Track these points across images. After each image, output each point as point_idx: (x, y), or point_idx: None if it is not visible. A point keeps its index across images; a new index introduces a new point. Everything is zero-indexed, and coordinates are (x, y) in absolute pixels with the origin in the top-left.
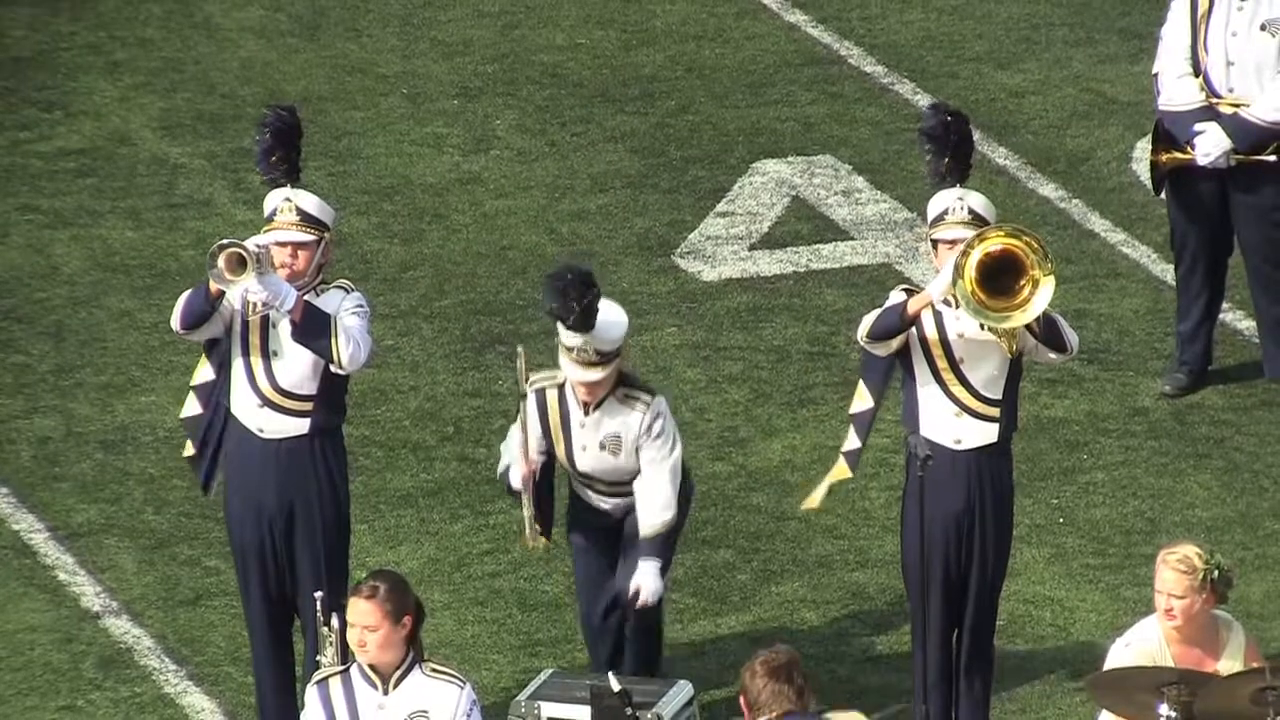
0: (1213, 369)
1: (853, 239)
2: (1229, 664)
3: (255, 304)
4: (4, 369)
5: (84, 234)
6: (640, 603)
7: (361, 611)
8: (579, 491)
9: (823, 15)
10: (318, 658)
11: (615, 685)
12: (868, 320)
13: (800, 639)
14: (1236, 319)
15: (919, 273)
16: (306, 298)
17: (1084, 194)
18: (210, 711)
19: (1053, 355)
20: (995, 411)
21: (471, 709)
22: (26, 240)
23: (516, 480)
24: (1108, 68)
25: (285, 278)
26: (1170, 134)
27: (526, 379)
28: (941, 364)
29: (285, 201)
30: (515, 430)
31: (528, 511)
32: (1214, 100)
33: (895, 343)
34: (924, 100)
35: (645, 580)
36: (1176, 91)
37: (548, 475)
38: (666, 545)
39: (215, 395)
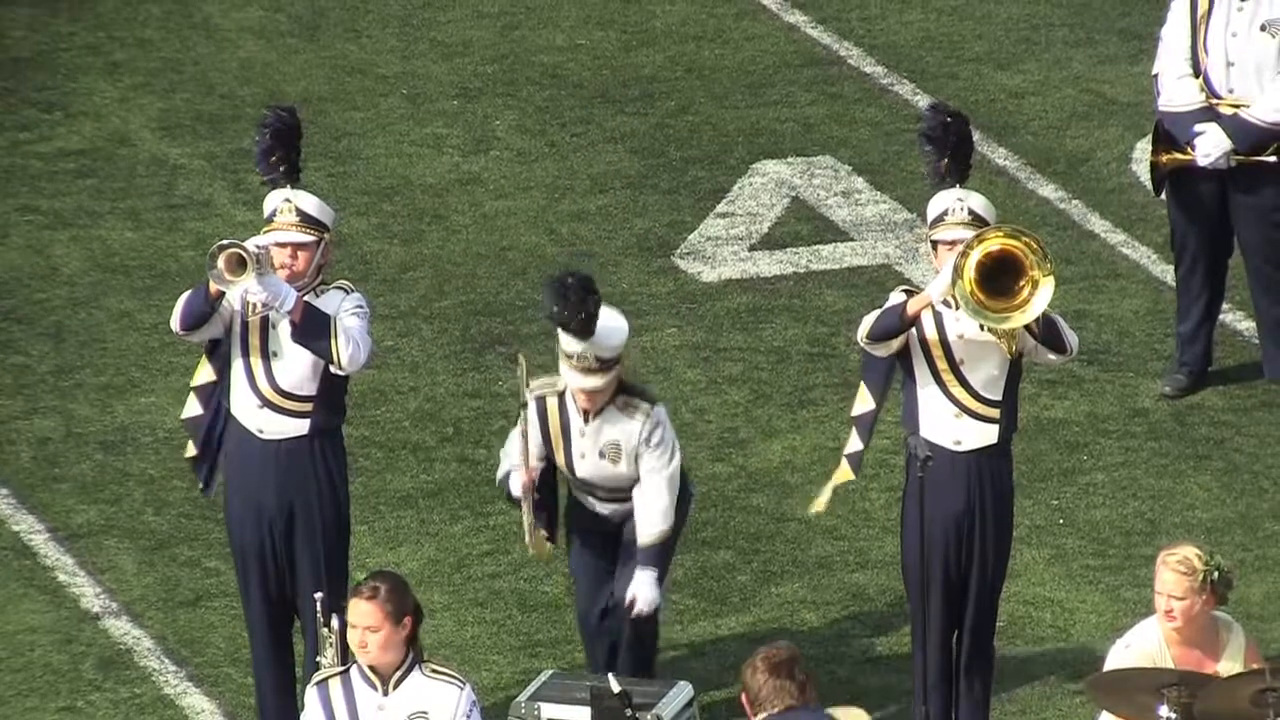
0: (1213, 370)
1: (852, 240)
2: (1229, 665)
3: (255, 305)
4: (4, 370)
5: (84, 235)
6: (635, 612)
7: (362, 612)
8: (578, 496)
9: (822, 16)
10: (318, 659)
11: (615, 686)
12: (867, 321)
13: (800, 640)
14: (1236, 320)
15: (919, 274)
16: (306, 298)
17: (1084, 195)
18: (210, 712)
19: (1052, 356)
20: (995, 412)
21: (471, 710)
22: (26, 241)
23: (516, 488)
24: (1107, 68)
25: (285, 278)
26: (1170, 135)
27: (527, 386)
28: (941, 365)
29: (285, 202)
30: (515, 436)
31: (527, 519)
32: (1214, 101)
33: (895, 344)
34: (924, 101)
35: (641, 590)
36: (1177, 92)
37: (550, 480)
38: (663, 554)
39: (216, 396)
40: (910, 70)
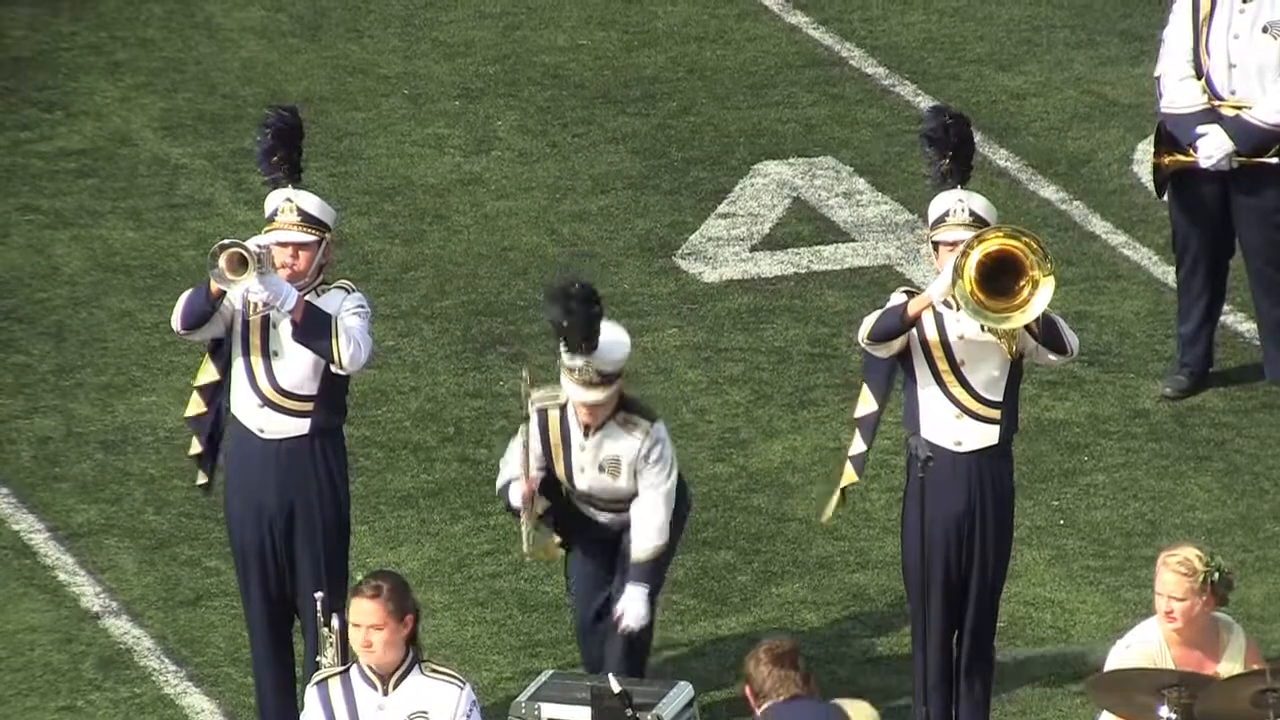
0: (1213, 371)
1: (854, 240)
2: (1229, 666)
3: (256, 304)
4: (4, 369)
5: (85, 234)
6: (623, 628)
7: (366, 611)
8: (578, 505)
9: (824, 17)
10: (318, 658)
11: (615, 686)
12: (868, 322)
13: (801, 640)
14: (1237, 321)
15: (920, 274)
16: (307, 298)
17: (1085, 196)
18: (210, 712)
19: (1053, 357)
20: (996, 413)
21: (471, 709)
22: (27, 240)
23: (516, 499)
24: (1109, 70)
25: (286, 278)
26: (1172, 136)
27: (530, 397)
28: (942, 366)
29: (286, 202)
30: (515, 446)
31: (526, 528)
32: (1216, 102)
33: (896, 344)
34: (925, 102)
35: (631, 606)
36: (1179, 94)
37: (554, 484)
38: (657, 570)
39: (218, 396)
40: (912, 71)
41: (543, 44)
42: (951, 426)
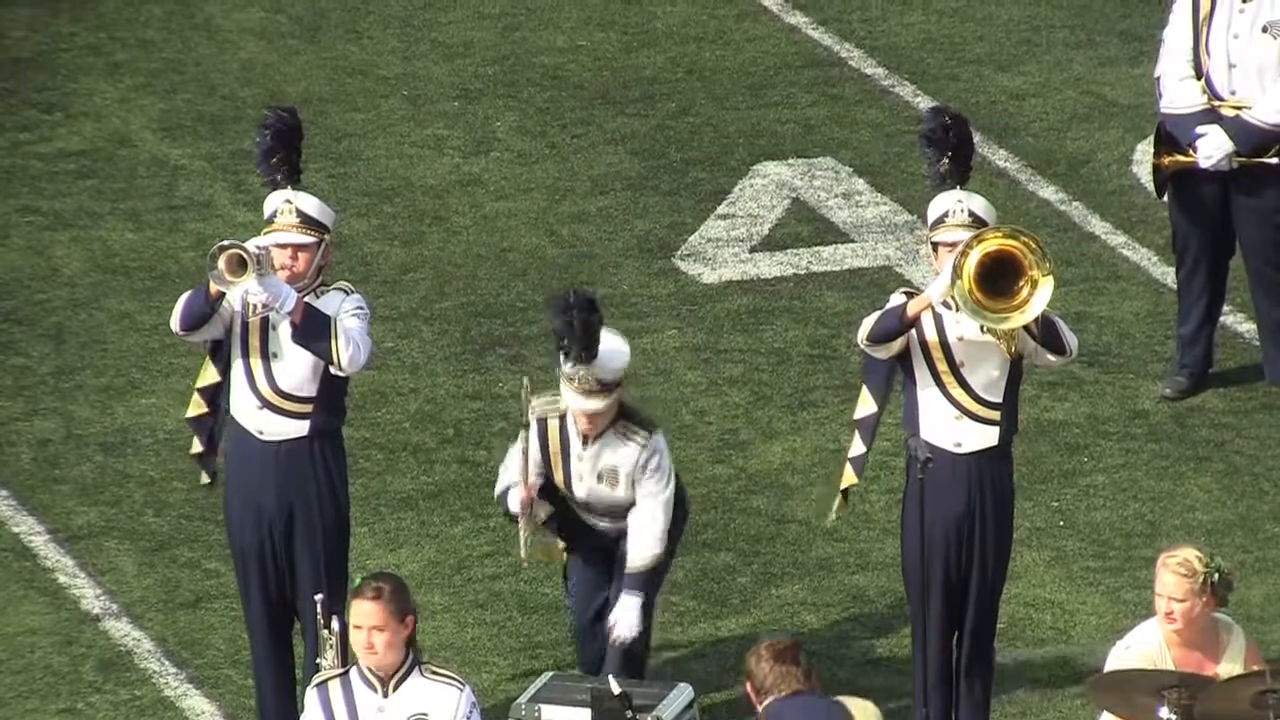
0: (1213, 372)
1: (853, 241)
2: (1229, 667)
3: (255, 305)
4: (4, 371)
5: (84, 236)
6: (615, 638)
7: (368, 613)
8: (578, 511)
9: (823, 17)
10: (318, 660)
11: (615, 688)
12: (868, 323)
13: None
14: (1237, 322)
15: (919, 275)
16: (306, 299)
17: (1084, 196)
18: (210, 714)
19: (1052, 358)
20: (995, 415)
21: (471, 711)
22: (26, 242)
23: (515, 504)
24: (1108, 70)
25: (285, 279)
26: (1172, 137)
27: (530, 405)
28: (942, 367)
29: (285, 203)
30: (515, 453)
31: (524, 534)
32: (1216, 103)
33: (895, 345)
34: (924, 102)
35: (624, 616)
36: (1178, 94)
37: (556, 491)
38: (652, 579)
39: (219, 397)
40: (911, 72)
41: (542, 45)
42: (951, 428)
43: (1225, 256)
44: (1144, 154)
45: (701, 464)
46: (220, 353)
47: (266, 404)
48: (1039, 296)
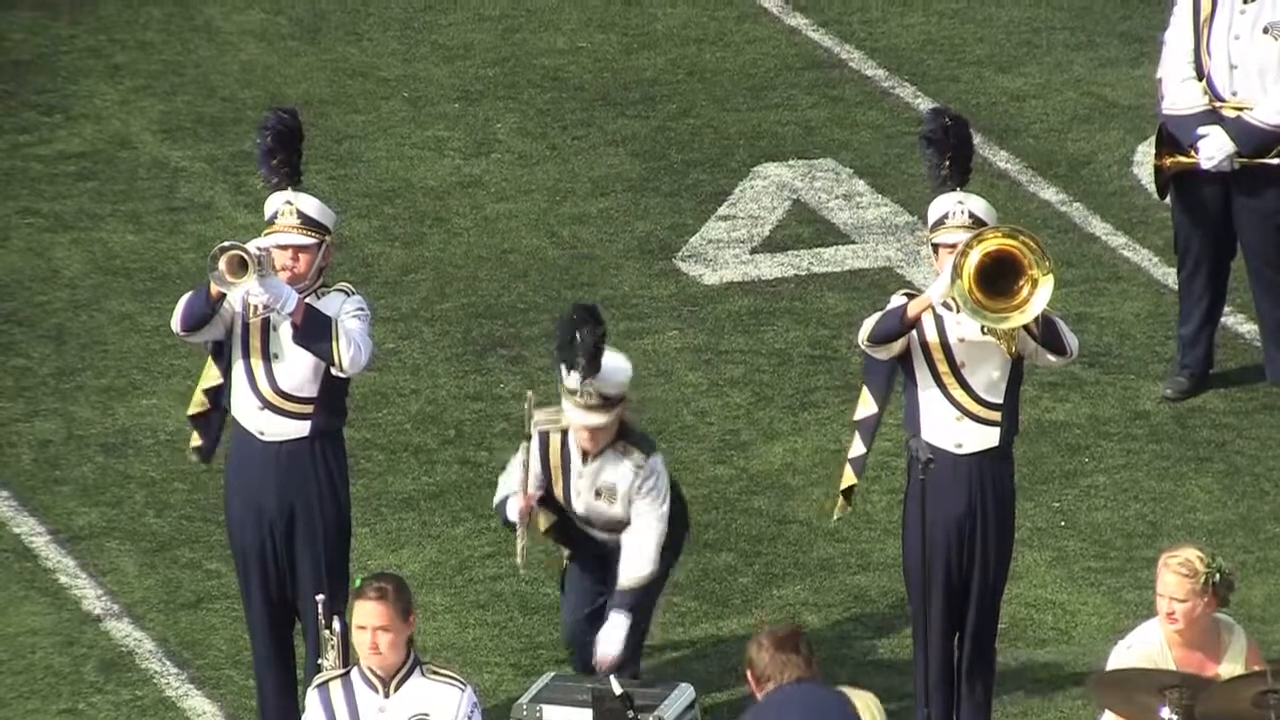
0: (1214, 372)
1: (854, 242)
2: (1230, 667)
3: (256, 306)
4: (5, 372)
5: (84, 237)
6: (597, 659)
7: (372, 613)
8: (576, 523)
9: (824, 19)
10: (319, 660)
11: (617, 688)
12: (868, 324)
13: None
14: (1238, 322)
15: (920, 276)
16: (307, 301)
17: (1085, 198)
18: (211, 715)
19: (1053, 358)
20: (996, 415)
21: (472, 712)
22: (27, 243)
23: (514, 513)
24: (1109, 71)
25: (286, 280)
26: (1174, 138)
27: (533, 418)
28: (942, 368)
29: (286, 204)
30: (515, 464)
31: (521, 543)
32: (1217, 104)
33: (896, 346)
34: (925, 104)
35: (612, 634)
36: (1180, 95)
37: (556, 503)
38: (643, 598)
39: (221, 398)
40: (911, 73)
41: (542, 46)
42: (952, 428)
43: (1226, 257)
44: (1145, 155)
45: (703, 465)
46: (222, 354)
47: (267, 405)
48: (1039, 296)
